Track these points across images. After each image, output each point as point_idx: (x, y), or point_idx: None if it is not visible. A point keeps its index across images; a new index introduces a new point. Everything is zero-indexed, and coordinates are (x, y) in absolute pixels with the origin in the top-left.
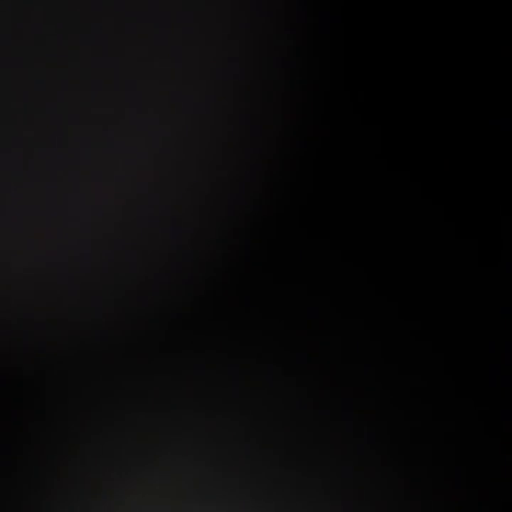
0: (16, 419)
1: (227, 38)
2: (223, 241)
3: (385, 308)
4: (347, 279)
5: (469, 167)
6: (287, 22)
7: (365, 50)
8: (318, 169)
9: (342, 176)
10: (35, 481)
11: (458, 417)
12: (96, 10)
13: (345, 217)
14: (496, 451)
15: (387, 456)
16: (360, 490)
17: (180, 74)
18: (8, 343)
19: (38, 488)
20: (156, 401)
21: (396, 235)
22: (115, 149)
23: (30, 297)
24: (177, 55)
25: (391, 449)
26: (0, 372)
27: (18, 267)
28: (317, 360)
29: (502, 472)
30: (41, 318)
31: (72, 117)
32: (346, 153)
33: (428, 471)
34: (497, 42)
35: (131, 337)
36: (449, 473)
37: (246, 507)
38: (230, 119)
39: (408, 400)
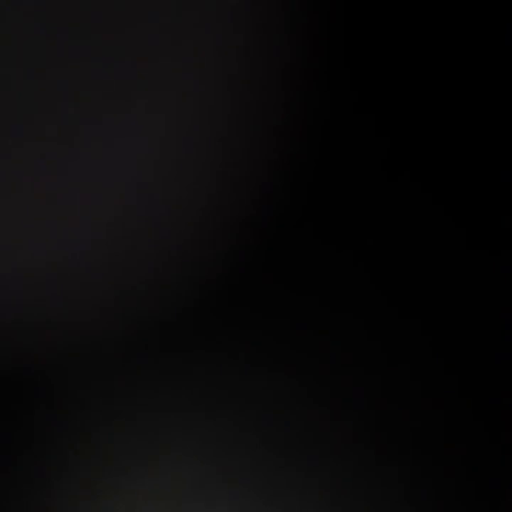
0: (15, 419)
1: (227, 38)
2: (223, 241)
3: (386, 308)
4: (348, 278)
5: (470, 167)
6: (287, 22)
7: (365, 50)
8: (318, 169)
9: (343, 176)
10: (35, 481)
11: (458, 417)
12: (96, 10)
13: (346, 217)
14: (496, 451)
15: (387, 456)
16: (360, 490)
17: (181, 74)
18: (8, 343)
19: (38, 489)
20: (156, 401)
21: (397, 234)
22: (115, 149)
23: (30, 297)
24: (177, 55)
25: (391, 449)
26: (0, 372)
27: (18, 266)
28: (317, 360)
29: (502, 472)
30: (41, 318)
31: (72, 117)
32: (347, 153)
33: (428, 470)
34: (498, 41)
35: (131, 337)
36: (449, 473)
37: (246, 507)
38: (230, 120)
39: (408, 400)
